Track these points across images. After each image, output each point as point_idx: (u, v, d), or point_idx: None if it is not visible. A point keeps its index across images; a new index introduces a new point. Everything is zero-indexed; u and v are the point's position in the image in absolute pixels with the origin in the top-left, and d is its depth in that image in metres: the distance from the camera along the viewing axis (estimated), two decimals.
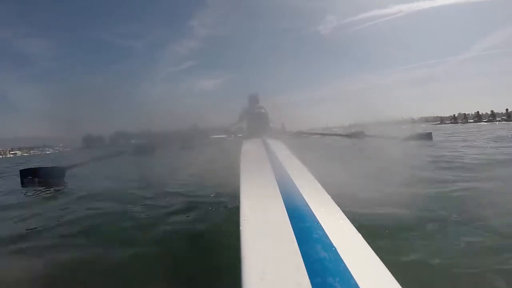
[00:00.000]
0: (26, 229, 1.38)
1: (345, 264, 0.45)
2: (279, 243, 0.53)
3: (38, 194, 2.27)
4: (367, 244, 0.54)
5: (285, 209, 0.66)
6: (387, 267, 0.47)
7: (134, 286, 0.92)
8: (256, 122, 3.24)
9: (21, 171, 2.85)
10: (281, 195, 0.76)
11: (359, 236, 0.57)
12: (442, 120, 19.81)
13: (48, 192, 2.31)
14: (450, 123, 18.01)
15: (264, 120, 3.33)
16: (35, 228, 1.40)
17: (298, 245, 0.51)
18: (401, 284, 0.42)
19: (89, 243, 1.22)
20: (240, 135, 3.20)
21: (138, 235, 1.26)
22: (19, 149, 32.41)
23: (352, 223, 0.62)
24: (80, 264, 1.02)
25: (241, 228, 0.59)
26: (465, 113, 19.50)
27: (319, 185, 0.89)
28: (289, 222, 0.59)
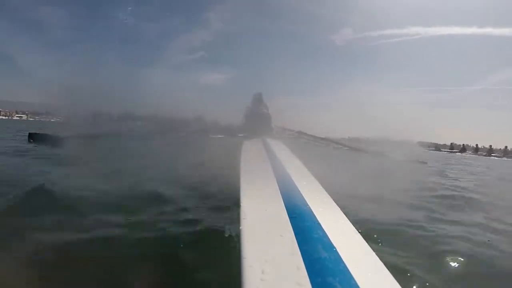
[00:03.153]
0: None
1: (345, 264, 0.45)
2: (279, 243, 0.53)
3: None
4: (367, 244, 0.54)
5: (285, 209, 0.66)
6: (387, 267, 0.47)
7: (133, 286, 0.91)
8: (258, 121, 3.21)
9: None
10: (281, 195, 0.76)
11: (359, 236, 0.57)
12: (436, 146, 19.50)
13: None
14: (446, 151, 17.89)
15: (267, 120, 3.30)
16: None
17: (298, 245, 0.50)
18: (401, 284, 0.42)
19: (78, 235, 1.21)
20: (241, 135, 3.17)
21: (136, 233, 1.26)
22: (23, 113, 32.92)
23: (352, 223, 0.62)
24: (71, 263, 1.01)
25: (241, 228, 0.59)
26: (463, 144, 19.50)
27: (319, 185, 0.89)
28: (289, 222, 0.59)
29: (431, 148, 17.64)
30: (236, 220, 0.64)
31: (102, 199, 1.78)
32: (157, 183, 2.20)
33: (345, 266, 0.45)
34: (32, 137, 3.69)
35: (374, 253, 0.50)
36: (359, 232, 0.58)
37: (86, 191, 1.80)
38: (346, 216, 0.65)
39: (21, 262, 1.02)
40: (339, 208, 0.70)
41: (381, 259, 0.49)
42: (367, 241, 0.55)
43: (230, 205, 1.43)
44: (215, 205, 1.58)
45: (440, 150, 18.17)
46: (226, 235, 1.09)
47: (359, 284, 0.41)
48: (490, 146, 17.77)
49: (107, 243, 1.18)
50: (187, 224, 1.34)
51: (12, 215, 1.54)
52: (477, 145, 18.43)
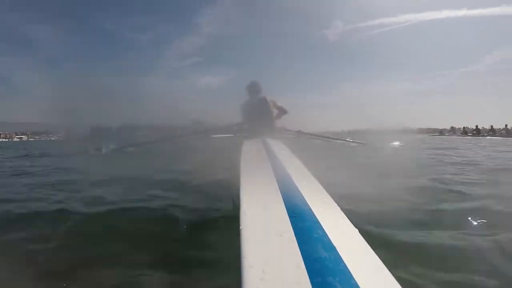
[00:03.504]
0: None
1: (345, 264, 0.45)
2: (279, 243, 0.53)
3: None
4: (367, 244, 0.54)
5: (285, 208, 0.66)
6: (387, 267, 0.47)
7: (132, 283, 0.91)
8: (256, 115, 2.93)
9: None
10: (281, 194, 0.76)
11: (359, 236, 0.57)
12: (441, 132, 19.64)
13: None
14: (449, 135, 17.91)
15: (266, 113, 3.00)
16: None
17: (298, 244, 0.50)
18: (401, 284, 0.42)
19: (81, 237, 1.22)
20: (240, 134, 3.14)
21: (135, 233, 1.26)
22: (23, 134, 33.24)
23: (352, 223, 0.62)
24: (70, 262, 1.02)
25: (241, 227, 0.59)
26: (463, 127, 19.47)
27: (319, 185, 0.89)
28: (289, 221, 0.59)
29: (434, 134, 17.61)
30: (236, 219, 0.64)
31: (102, 200, 1.78)
32: (157, 184, 2.20)
33: (345, 266, 0.45)
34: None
35: (374, 253, 0.50)
36: (359, 232, 0.58)
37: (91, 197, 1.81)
38: (347, 215, 0.65)
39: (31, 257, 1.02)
40: (339, 208, 0.70)
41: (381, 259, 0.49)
42: (367, 241, 0.55)
43: (230, 205, 1.44)
44: (215, 204, 1.58)
45: (444, 135, 18.16)
46: (226, 235, 1.09)
47: (359, 284, 0.41)
48: (491, 126, 17.65)
49: (106, 244, 1.18)
50: (186, 224, 1.34)
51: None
52: (477, 126, 18.31)
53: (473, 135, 17.15)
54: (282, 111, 3.21)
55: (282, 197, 0.73)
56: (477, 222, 1.30)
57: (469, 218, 1.34)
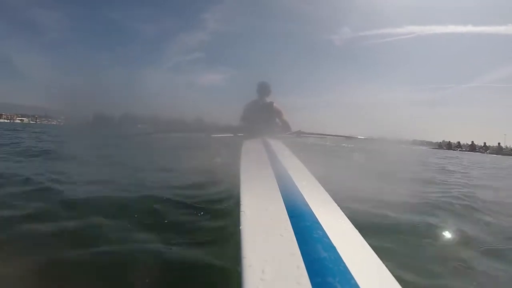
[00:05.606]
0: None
1: (345, 264, 0.45)
2: (279, 243, 0.53)
3: None
4: (367, 244, 0.54)
5: (285, 209, 0.66)
6: (387, 267, 0.47)
7: (131, 285, 0.91)
8: (262, 116, 2.92)
9: None
10: (281, 195, 0.76)
11: (359, 236, 0.57)
12: (439, 145, 19.96)
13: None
14: (442, 148, 18.27)
15: (272, 115, 2.99)
16: None
17: (298, 245, 0.50)
18: (401, 284, 0.42)
19: (78, 236, 1.21)
20: (241, 134, 3.13)
21: (134, 232, 1.25)
22: (23, 116, 33.55)
23: (352, 223, 0.62)
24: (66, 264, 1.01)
25: (241, 227, 0.59)
26: (459, 142, 19.93)
27: (319, 185, 0.89)
28: (289, 222, 0.59)
29: (433, 147, 17.97)
30: (236, 219, 0.64)
31: (98, 198, 1.77)
32: (156, 183, 2.20)
33: (345, 266, 0.45)
34: None
35: (374, 253, 0.50)
36: (359, 232, 0.58)
37: (86, 193, 1.80)
38: (346, 216, 0.66)
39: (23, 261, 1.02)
40: (339, 208, 0.70)
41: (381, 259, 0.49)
42: (367, 240, 0.55)
43: (230, 205, 1.43)
44: (214, 204, 1.58)
45: (442, 148, 18.55)
46: (226, 235, 1.09)
47: (359, 284, 0.41)
48: (485, 143, 18.38)
49: (103, 241, 1.17)
50: (186, 224, 1.34)
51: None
52: (472, 142, 18.84)
53: (468, 150, 17.65)
54: (286, 126, 3.12)
55: (282, 197, 0.73)
56: (479, 225, 1.30)
57: (470, 220, 1.34)
